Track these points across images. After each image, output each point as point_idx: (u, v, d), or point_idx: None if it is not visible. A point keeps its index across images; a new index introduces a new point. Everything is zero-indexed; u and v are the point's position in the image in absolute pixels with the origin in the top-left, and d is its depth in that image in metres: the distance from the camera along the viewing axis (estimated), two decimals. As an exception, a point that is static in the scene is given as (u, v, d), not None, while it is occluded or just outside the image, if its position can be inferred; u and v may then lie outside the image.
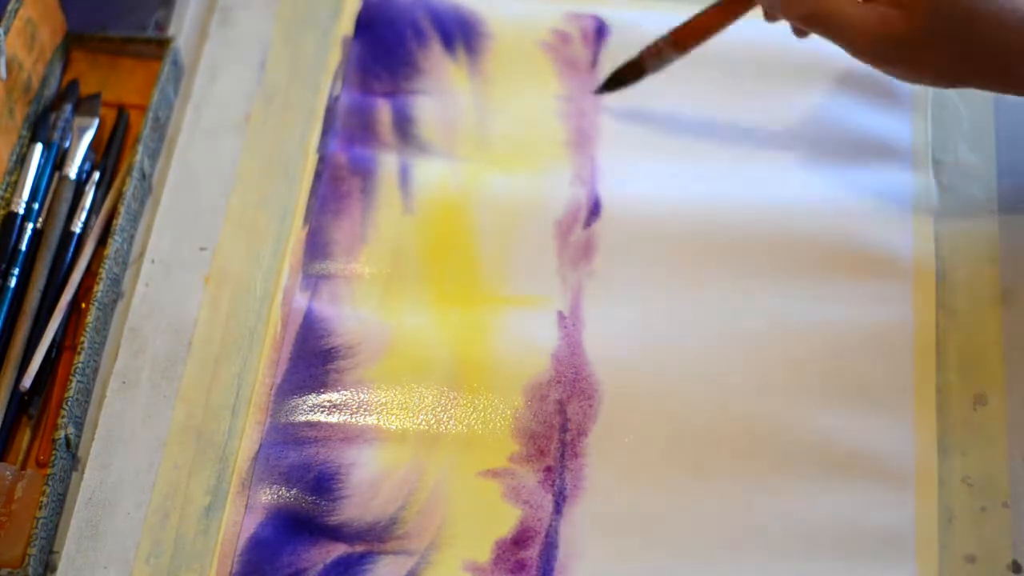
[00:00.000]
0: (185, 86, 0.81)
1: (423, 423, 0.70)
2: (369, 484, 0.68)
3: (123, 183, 0.76)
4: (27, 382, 0.70)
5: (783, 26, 0.78)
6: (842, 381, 0.70)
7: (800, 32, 0.73)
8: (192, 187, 0.77)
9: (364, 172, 0.77)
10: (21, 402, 0.70)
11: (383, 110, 0.79)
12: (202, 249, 0.75)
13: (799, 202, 0.75)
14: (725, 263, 0.73)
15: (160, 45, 0.80)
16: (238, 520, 0.67)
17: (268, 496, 0.68)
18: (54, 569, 0.67)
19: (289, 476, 0.68)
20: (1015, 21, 0.65)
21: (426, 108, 0.79)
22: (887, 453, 0.68)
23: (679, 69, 0.79)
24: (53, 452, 0.68)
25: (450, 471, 0.68)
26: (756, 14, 0.81)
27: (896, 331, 0.71)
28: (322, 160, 0.77)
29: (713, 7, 0.75)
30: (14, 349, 0.71)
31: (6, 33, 0.74)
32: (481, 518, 0.67)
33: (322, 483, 0.68)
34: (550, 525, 0.67)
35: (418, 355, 0.71)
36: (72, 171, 0.76)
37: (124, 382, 0.71)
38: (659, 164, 0.77)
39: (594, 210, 0.75)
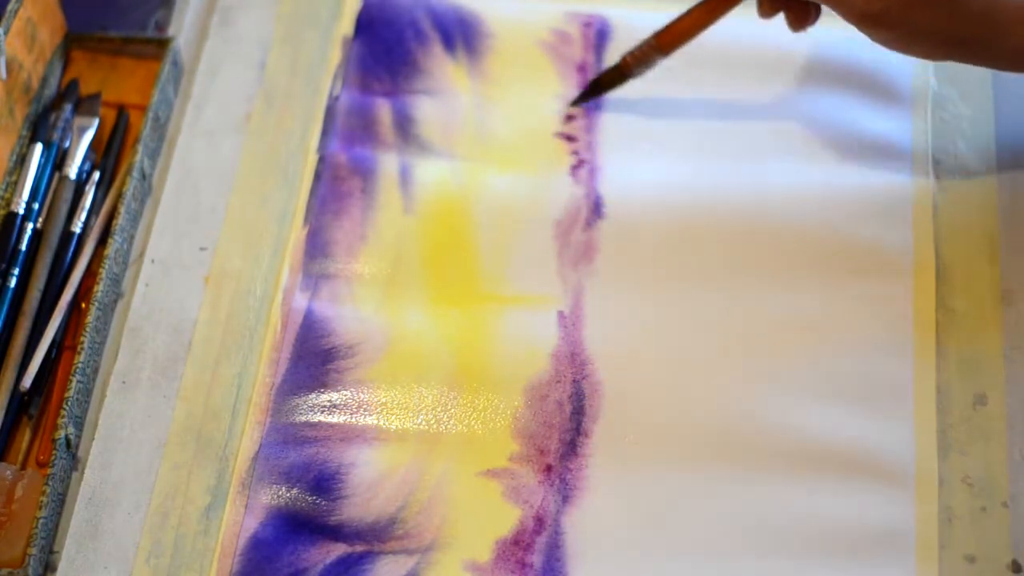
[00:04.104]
0: (185, 86, 0.81)
1: (423, 423, 0.70)
2: (369, 484, 0.68)
3: (123, 183, 0.76)
4: (27, 382, 0.70)
5: (783, 26, 0.78)
6: (842, 381, 0.70)
7: (798, 21, 0.72)
8: (192, 187, 0.77)
9: (364, 172, 0.77)
10: (21, 402, 0.70)
11: (383, 110, 0.79)
12: (202, 249, 0.75)
13: (799, 202, 0.74)
14: (725, 263, 0.73)
15: (160, 45, 0.80)
16: (238, 520, 0.67)
17: (268, 496, 0.68)
18: (54, 569, 0.67)
19: (289, 476, 0.68)
20: None
21: (426, 108, 0.79)
22: (887, 453, 0.68)
23: (680, 70, 0.79)
24: (53, 452, 0.68)
25: (450, 471, 0.68)
26: (752, 13, 0.81)
27: (896, 330, 0.71)
28: (322, 160, 0.78)
29: (697, 7, 0.74)
30: (14, 349, 0.71)
31: (6, 33, 0.74)
32: (482, 518, 0.67)
33: (322, 483, 0.68)
34: (551, 525, 0.67)
35: (418, 355, 0.71)
36: (72, 171, 0.76)
37: (124, 382, 0.71)
38: (660, 164, 0.77)
39: (595, 210, 0.75)
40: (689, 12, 0.74)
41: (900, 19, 0.67)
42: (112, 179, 0.77)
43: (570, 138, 0.78)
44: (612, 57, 0.80)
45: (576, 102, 0.78)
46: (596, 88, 0.78)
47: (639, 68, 0.76)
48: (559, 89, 0.80)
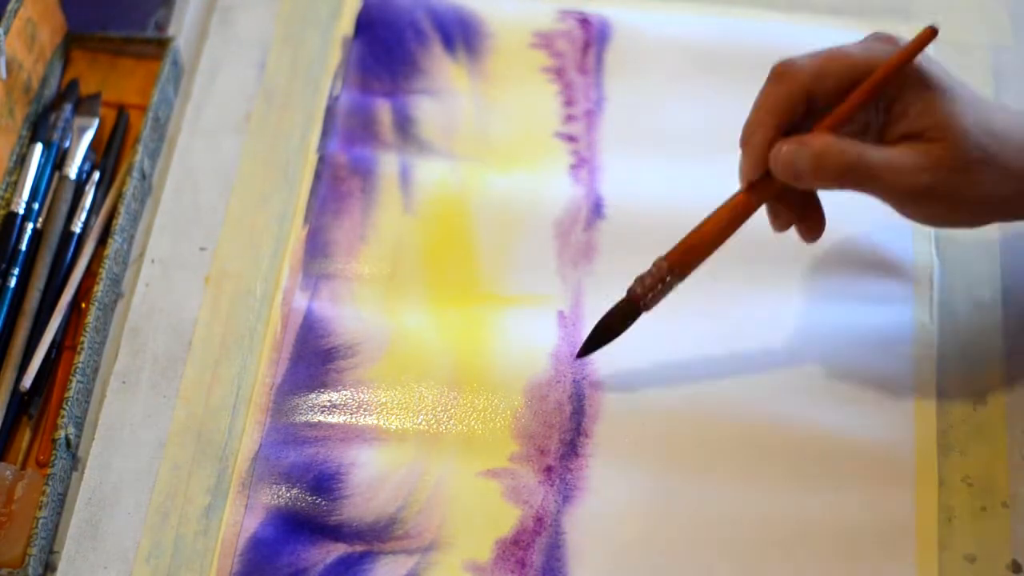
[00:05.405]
0: (185, 86, 0.81)
1: (423, 423, 0.70)
2: (369, 484, 0.68)
3: (123, 183, 0.76)
4: (27, 382, 0.70)
5: (783, 27, 0.78)
6: (842, 381, 0.70)
7: (810, 232, 0.66)
8: (192, 187, 0.77)
9: (364, 172, 0.77)
10: (21, 402, 0.70)
11: (383, 110, 0.79)
12: (202, 249, 0.75)
13: (799, 202, 0.75)
14: (724, 262, 0.73)
15: (160, 45, 0.80)
16: (238, 520, 0.67)
17: (268, 496, 0.68)
18: (54, 569, 0.67)
19: (289, 476, 0.68)
20: None
21: (426, 108, 0.79)
22: (887, 453, 0.68)
23: (680, 70, 0.79)
24: (53, 452, 0.68)
25: (450, 471, 0.68)
26: (752, 14, 0.81)
27: (896, 331, 0.71)
28: (322, 160, 0.78)
29: (709, 220, 0.65)
30: (14, 349, 0.71)
31: (6, 33, 0.74)
32: (482, 518, 0.67)
33: (322, 483, 0.68)
34: (551, 525, 0.67)
35: (418, 355, 0.71)
36: (72, 171, 0.76)
37: (124, 382, 0.71)
38: (660, 164, 0.77)
39: (595, 210, 0.75)
40: (701, 226, 0.65)
41: (948, 190, 0.62)
42: (112, 179, 0.77)
43: (570, 138, 0.78)
44: (614, 56, 0.80)
45: (583, 352, 0.69)
46: (605, 329, 0.68)
47: (651, 297, 0.66)
48: (559, 89, 0.80)
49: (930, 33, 0.62)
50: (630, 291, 0.67)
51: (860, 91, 0.62)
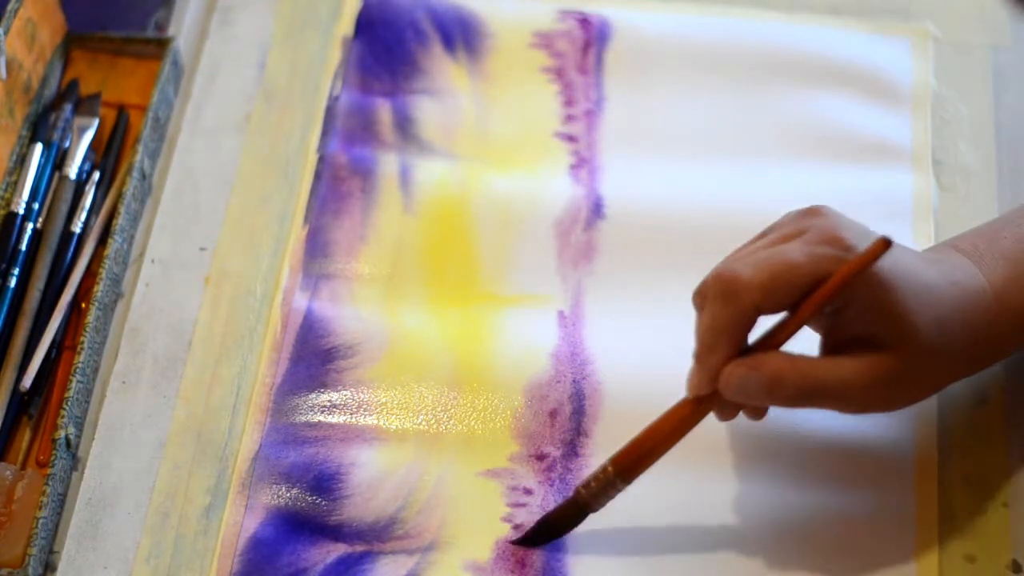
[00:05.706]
0: (185, 86, 0.81)
1: (423, 423, 0.70)
2: (369, 484, 0.68)
3: (123, 183, 0.76)
4: (27, 382, 0.70)
5: (783, 27, 0.78)
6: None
7: (755, 414, 0.64)
8: (192, 187, 0.77)
9: (364, 172, 0.77)
10: (21, 402, 0.70)
11: (383, 110, 0.79)
12: (202, 249, 0.75)
13: (799, 202, 0.74)
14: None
15: (160, 45, 0.80)
16: (238, 520, 0.67)
17: (268, 496, 0.68)
18: (54, 569, 0.67)
19: (289, 476, 0.68)
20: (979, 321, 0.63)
21: (426, 108, 0.79)
22: (887, 453, 0.68)
23: (680, 70, 0.79)
24: (53, 452, 0.68)
25: (450, 471, 0.68)
26: (751, 14, 0.81)
27: (896, 331, 0.71)
28: (322, 160, 0.78)
29: (655, 426, 0.64)
30: (14, 349, 0.71)
31: (6, 33, 0.74)
32: (481, 518, 0.67)
33: (322, 483, 0.68)
34: (550, 525, 0.67)
35: (418, 355, 0.71)
36: (72, 171, 0.76)
37: (124, 382, 0.71)
38: (660, 164, 0.77)
39: (595, 210, 0.75)
40: (647, 433, 0.64)
41: (899, 391, 0.63)
42: (112, 179, 0.77)
43: (570, 138, 0.78)
44: (613, 57, 0.80)
45: (521, 542, 0.66)
46: (549, 528, 0.66)
47: (598, 500, 0.64)
48: (559, 89, 0.80)
49: (883, 246, 0.60)
50: (576, 494, 0.64)
51: (808, 308, 0.61)
